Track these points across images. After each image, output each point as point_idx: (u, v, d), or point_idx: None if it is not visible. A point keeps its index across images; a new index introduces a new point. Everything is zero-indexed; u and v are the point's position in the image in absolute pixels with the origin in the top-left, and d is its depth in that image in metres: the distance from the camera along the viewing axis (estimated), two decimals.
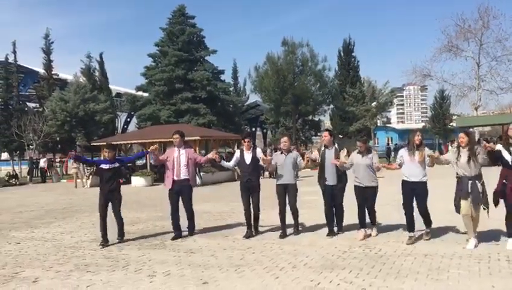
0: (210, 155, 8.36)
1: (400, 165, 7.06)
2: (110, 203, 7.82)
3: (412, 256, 6.12)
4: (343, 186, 7.65)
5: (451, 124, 47.06)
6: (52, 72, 39.35)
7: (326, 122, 57.31)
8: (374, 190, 7.36)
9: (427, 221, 7.05)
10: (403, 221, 7.14)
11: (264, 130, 61.09)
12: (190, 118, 35.81)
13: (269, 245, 7.17)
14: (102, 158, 8.01)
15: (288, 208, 7.81)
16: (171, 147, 8.54)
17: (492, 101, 40.24)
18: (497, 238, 6.81)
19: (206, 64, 39.42)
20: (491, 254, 6.02)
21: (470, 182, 6.36)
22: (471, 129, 29.23)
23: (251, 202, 7.90)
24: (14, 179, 27.00)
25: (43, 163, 28.54)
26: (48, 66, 38.85)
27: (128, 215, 11.02)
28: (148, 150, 8.31)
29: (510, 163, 6.18)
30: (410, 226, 6.97)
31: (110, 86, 42.13)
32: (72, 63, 51.98)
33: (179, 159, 8.03)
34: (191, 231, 8.28)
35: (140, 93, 41.88)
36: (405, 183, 6.97)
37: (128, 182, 21.50)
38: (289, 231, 7.88)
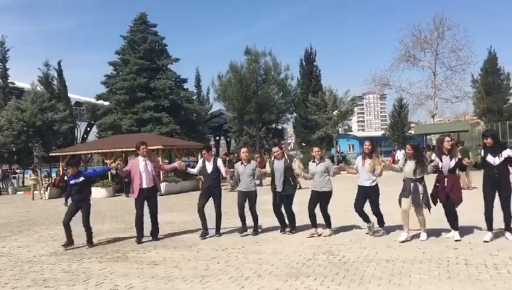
0: (176, 164, 9.21)
1: (357, 171, 7.99)
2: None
3: (374, 262, 6.22)
4: (291, 193, 8.38)
5: (409, 131, 48.49)
6: (8, 81, 38.01)
7: (290, 130, 57.92)
8: (327, 195, 8.05)
9: (380, 221, 7.95)
10: (365, 225, 7.80)
11: (228, 139, 60.97)
12: (153, 127, 35.30)
13: (234, 254, 7.14)
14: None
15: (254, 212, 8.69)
16: (132, 157, 8.93)
17: (448, 109, 41.62)
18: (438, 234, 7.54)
19: (168, 72, 39.02)
20: (449, 258, 6.21)
21: (412, 183, 7.29)
22: (428, 136, 30.21)
23: (213, 204, 8.61)
24: None
25: None
26: (4, 74, 37.50)
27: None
28: (112, 166, 8.99)
29: (440, 169, 7.35)
30: (364, 218, 7.94)
31: (69, 94, 41.03)
32: (29, 71, 50.57)
33: (146, 168, 8.53)
34: (155, 236, 8.67)
35: (100, 102, 40.94)
36: (359, 188, 7.91)
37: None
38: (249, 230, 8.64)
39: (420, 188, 7.29)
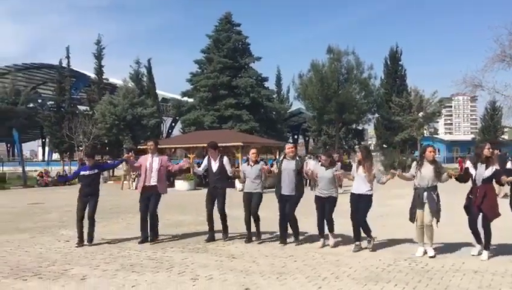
0: (182, 163, 8.74)
1: (354, 178, 7.47)
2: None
3: (460, 272, 5.88)
4: (298, 197, 7.85)
5: (502, 136, 45.19)
6: (103, 77, 40.76)
7: (370, 132, 56.36)
8: (333, 201, 7.64)
9: (366, 230, 7.32)
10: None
11: (307, 138, 60.72)
12: (233, 124, 36.13)
13: (311, 254, 7.11)
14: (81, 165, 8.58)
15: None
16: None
17: None
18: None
19: (250, 71, 39.72)
20: None
21: (425, 193, 6.75)
22: None
23: (216, 207, 8.27)
24: None
25: None
26: (99, 71, 40.26)
27: (172, 218, 11.25)
28: (124, 157, 8.63)
29: (474, 179, 6.70)
30: (357, 235, 7.34)
31: (157, 91, 43.17)
32: (122, 68, 53.88)
33: (151, 166, 8.28)
34: (152, 237, 8.31)
35: (185, 98, 42.68)
36: (351, 195, 7.40)
37: (172, 185, 21.92)
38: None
39: (435, 197, 6.75)
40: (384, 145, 42.51)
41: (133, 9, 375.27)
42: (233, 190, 18.47)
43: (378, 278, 5.69)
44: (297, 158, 8.13)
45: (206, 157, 8.67)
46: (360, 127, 44.69)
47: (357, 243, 7.35)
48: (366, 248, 7.36)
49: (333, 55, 37.50)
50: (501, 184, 7.35)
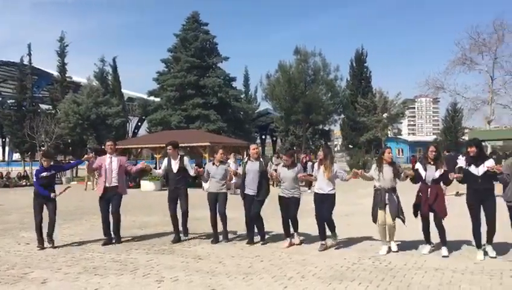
0: (140, 165, 8.61)
1: (316, 178, 7.61)
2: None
3: (422, 270, 6.04)
4: (263, 198, 7.86)
5: (463, 137, 46.68)
6: (66, 75, 39.73)
7: (337, 132, 57.18)
8: (296, 201, 7.71)
9: (331, 228, 7.52)
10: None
11: (274, 138, 61.01)
12: (201, 123, 35.91)
13: (278, 254, 7.14)
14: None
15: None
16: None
17: (506, 115, 39.72)
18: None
19: (218, 70, 39.58)
20: (503, 270, 5.92)
21: (387, 193, 6.96)
22: (483, 143, 28.97)
23: (180, 208, 8.23)
24: (24, 180, 27.23)
25: None
26: (62, 69, 39.19)
27: (137, 220, 11.08)
28: (84, 158, 8.47)
29: (424, 179, 6.95)
30: (322, 234, 7.45)
31: (122, 90, 42.42)
32: (86, 66, 52.44)
33: (110, 166, 8.16)
34: (117, 238, 8.23)
35: (152, 98, 42.12)
36: (315, 195, 7.53)
37: (138, 186, 21.59)
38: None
39: (395, 197, 7.00)
40: (350, 146, 43.23)
41: (99, 6, 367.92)
42: (199, 190, 18.40)
43: (342, 277, 5.77)
44: (261, 159, 8.15)
45: (166, 158, 8.52)
46: (326, 128, 45.19)
47: (323, 242, 7.44)
48: (331, 247, 7.47)
49: (300, 56, 37.78)
50: (448, 184, 7.58)
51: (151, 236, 8.85)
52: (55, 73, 40.47)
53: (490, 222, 6.62)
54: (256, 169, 7.84)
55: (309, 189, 16.63)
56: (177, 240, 8.20)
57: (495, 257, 6.56)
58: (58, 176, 28.79)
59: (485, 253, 6.64)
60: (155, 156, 24.47)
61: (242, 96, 45.47)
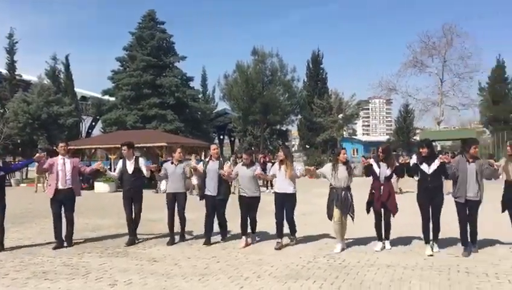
0: (95, 166, 8.42)
1: (274, 177, 7.79)
2: None
3: (375, 267, 6.20)
4: (224, 197, 7.96)
5: (414, 137, 48.37)
6: (15, 73, 38.19)
7: (294, 132, 57.80)
8: (256, 200, 7.82)
9: (292, 229, 7.71)
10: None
11: (232, 138, 60.99)
12: (157, 124, 35.43)
13: (234, 254, 7.13)
14: None
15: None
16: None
17: (454, 116, 41.58)
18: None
19: (175, 70, 39.17)
20: (451, 266, 6.17)
21: (342, 192, 7.14)
22: (433, 143, 30.11)
23: (134, 208, 8.10)
24: None
25: None
26: (11, 66, 37.67)
27: (90, 222, 10.77)
28: (34, 158, 8.18)
29: (378, 176, 7.23)
30: (279, 233, 7.56)
31: (75, 89, 41.22)
32: (37, 64, 50.67)
33: (64, 168, 7.96)
34: (69, 241, 8.02)
35: (106, 97, 41.16)
36: (276, 194, 7.63)
37: (92, 187, 21.02)
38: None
39: (349, 196, 7.23)
40: (307, 146, 43.84)
41: (51, 2, 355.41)
42: (151, 191, 18.13)
43: (298, 276, 5.84)
44: (220, 159, 8.18)
45: (121, 160, 8.39)
46: (284, 128, 45.67)
47: (279, 240, 7.53)
48: (287, 245, 7.56)
49: (258, 56, 38.02)
50: (402, 176, 7.87)
51: (105, 239, 8.63)
52: (4, 71, 38.83)
53: (435, 219, 6.96)
54: (216, 168, 7.86)
55: (267, 189, 16.75)
56: (131, 242, 8.04)
57: (438, 251, 6.92)
58: (8, 178, 27.65)
59: (432, 248, 6.93)
60: (110, 156, 23.88)
61: (200, 96, 45.23)
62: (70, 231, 8.07)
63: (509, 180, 6.98)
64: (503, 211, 7.07)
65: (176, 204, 8.09)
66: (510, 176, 6.95)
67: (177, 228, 8.17)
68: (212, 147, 8.39)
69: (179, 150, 8.38)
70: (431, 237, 7.00)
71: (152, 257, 7.08)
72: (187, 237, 8.38)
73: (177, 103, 37.01)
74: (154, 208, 10.75)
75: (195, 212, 9.27)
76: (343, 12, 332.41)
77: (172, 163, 8.27)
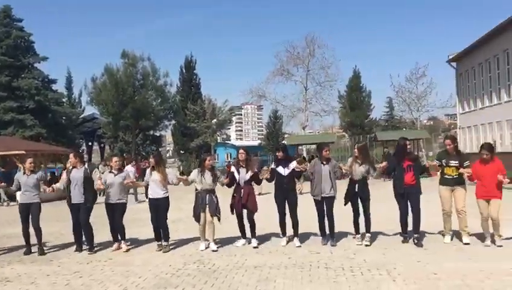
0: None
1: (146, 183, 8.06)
2: None
3: (243, 269, 6.36)
4: (90, 204, 7.96)
5: (283, 141, 50.93)
6: None
7: (168, 138, 57.07)
8: (123, 206, 7.96)
9: (166, 237, 7.84)
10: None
11: (102, 145, 58.04)
12: (15, 129, 32.34)
13: (100, 267, 6.77)
14: None
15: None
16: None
17: (317, 121, 44.48)
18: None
19: (35, 71, 36.15)
20: (312, 262, 6.58)
21: (207, 195, 7.56)
22: (299, 147, 31.97)
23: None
24: None
25: None
26: None
27: None
28: None
29: (238, 181, 7.79)
30: (157, 237, 7.89)
31: None
32: None
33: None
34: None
35: None
36: (149, 200, 7.97)
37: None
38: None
39: (214, 198, 7.66)
40: (181, 151, 43.54)
41: None
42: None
43: (167, 284, 5.74)
44: (85, 166, 8.12)
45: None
46: (157, 134, 44.80)
47: (159, 243, 7.84)
48: (167, 245, 7.76)
49: (128, 60, 36.71)
50: (259, 183, 8.79)
51: None
52: None
53: (293, 215, 7.73)
54: (80, 176, 7.85)
55: (136, 200, 16.22)
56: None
57: (300, 246, 7.55)
58: None
59: (289, 241, 7.78)
60: None
61: (64, 99, 42.35)
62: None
63: (352, 178, 7.74)
64: (345, 204, 7.83)
65: (30, 215, 7.89)
66: (353, 175, 7.72)
67: (33, 240, 7.83)
68: (71, 155, 8.28)
69: (29, 160, 8.25)
70: (289, 233, 7.77)
71: (5, 276, 6.39)
72: (45, 249, 8.03)
73: (37, 107, 34.18)
74: (6, 222, 9.77)
75: (58, 223, 8.64)
76: (217, 21, 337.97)
77: (24, 173, 8.08)
